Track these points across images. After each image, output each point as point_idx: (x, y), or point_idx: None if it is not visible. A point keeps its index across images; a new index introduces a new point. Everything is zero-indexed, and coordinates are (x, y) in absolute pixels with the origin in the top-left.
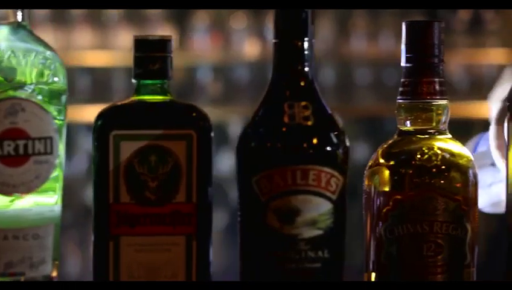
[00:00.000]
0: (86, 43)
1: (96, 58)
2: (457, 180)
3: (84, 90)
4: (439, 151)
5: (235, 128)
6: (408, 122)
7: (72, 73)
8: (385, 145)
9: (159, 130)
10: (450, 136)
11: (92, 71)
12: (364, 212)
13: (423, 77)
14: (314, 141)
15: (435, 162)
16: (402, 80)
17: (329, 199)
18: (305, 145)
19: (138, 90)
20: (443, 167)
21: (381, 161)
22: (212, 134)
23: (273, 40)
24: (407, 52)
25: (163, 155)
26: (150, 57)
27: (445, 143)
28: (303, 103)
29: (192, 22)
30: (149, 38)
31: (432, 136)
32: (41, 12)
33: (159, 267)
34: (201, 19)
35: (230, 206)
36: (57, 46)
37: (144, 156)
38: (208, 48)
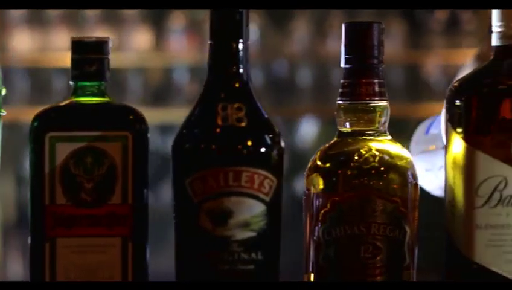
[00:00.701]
0: (63, 44)
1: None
2: (396, 181)
3: (62, 91)
4: (376, 153)
5: None
6: (347, 123)
7: (50, 74)
8: (324, 147)
9: (95, 131)
10: (389, 137)
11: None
12: (304, 213)
13: (362, 78)
14: (247, 142)
15: (372, 163)
16: (341, 81)
17: (262, 200)
18: (237, 146)
19: (75, 92)
20: (381, 168)
21: (319, 163)
22: (149, 136)
23: (209, 42)
24: (346, 53)
25: (99, 157)
26: (87, 59)
27: (384, 144)
28: (236, 105)
29: (169, 22)
30: (85, 40)
31: (370, 137)
32: (17, 13)
33: (95, 269)
34: (177, 19)
35: None
36: (34, 47)
37: (80, 157)
38: (184, 49)
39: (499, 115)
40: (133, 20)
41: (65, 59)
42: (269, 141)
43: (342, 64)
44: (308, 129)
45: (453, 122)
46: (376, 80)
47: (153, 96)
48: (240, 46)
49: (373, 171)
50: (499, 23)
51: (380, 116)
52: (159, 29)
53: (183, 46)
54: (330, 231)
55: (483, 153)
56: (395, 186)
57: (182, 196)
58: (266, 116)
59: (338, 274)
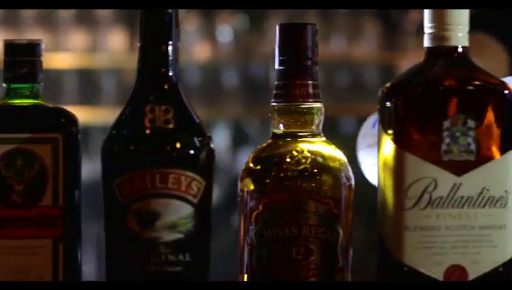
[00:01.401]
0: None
1: (50, 60)
2: (328, 183)
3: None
4: (308, 154)
5: None
6: (281, 125)
7: None
8: (257, 149)
9: (26, 133)
10: (323, 138)
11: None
12: (239, 215)
13: (296, 80)
14: (174, 144)
15: (304, 165)
16: (276, 82)
17: (190, 202)
18: (165, 148)
19: (8, 94)
20: (312, 170)
21: (251, 165)
22: (80, 137)
23: (138, 43)
24: (280, 54)
25: (30, 159)
26: (18, 61)
27: (317, 146)
28: (164, 107)
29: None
30: (17, 42)
31: (304, 139)
32: None
33: (27, 270)
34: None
35: None
36: None
37: (10, 159)
38: None
39: (428, 117)
40: (107, 21)
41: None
42: (197, 143)
43: (276, 66)
44: None
45: (384, 123)
46: (310, 82)
47: (127, 97)
48: (170, 48)
49: (305, 173)
50: (430, 24)
51: (314, 117)
52: (134, 30)
53: None
54: (262, 233)
55: (412, 155)
56: (327, 188)
57: (110, 198)
58: (196, 118)
59: (270, 275)
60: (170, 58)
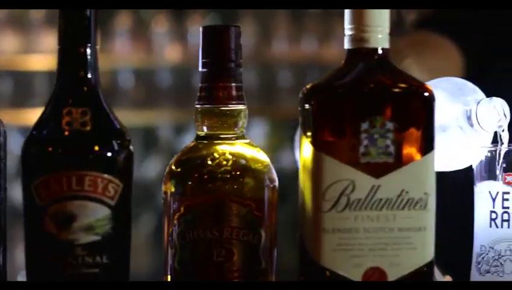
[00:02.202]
0: (11, 47)
1: (22, 63)
2: (250, 185)
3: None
4: (230, 156)
5: (163, 132)
6: (205, 127)
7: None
8: (180, 152)
9: None
10: (247, 140)
11: (15, 74)
12: (163, 217)
13: (219, 82)
14: (91, 146)
15: (225, 167)
16: (199, 85)
17: (107, 204)
18: (81, 150)
19: None
20: (234, 172)
21: (173, 167)
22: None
23: (57, 46)
24: (203, 57)
25: None
26: None
27: (240, 148)
28: (82, 109)
29: (114, 25)
30: None
31: (226, 141)
32: None
33: None
34: (122, 22)
35: (158, 208)
36: None
37: None
38: (129, 51)
39: (346, 119)
40: None
41: (15, 62)
42: (115, 146)
43: (200, 68)
44: (257, 131)
45: (303, 126)
46: (234, 84)
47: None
48: (88, 50)
49: (226, 175)
50: (350, 26)
51: (238, 120)
52: (104, 31)
53: (128, 48)
54: (184, 235)
55: (330, 157)
56: (249, 189)
57: (29, 200)
58: (115, 121)
59: (193, 277)
60: (89, 60)
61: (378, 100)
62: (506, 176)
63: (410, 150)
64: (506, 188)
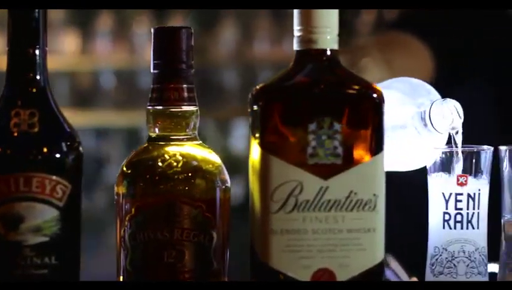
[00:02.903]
0: None
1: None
2: (201, 186)
3: None
4: (180, 158)
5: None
6: (156, 129)
7: None
8: (132, 153)
9: None
10: (199, 142)
11: None
12: (115, 218)
13: (170, 83)
14: (39, 148)
15: (176, 168)
16: (151, 86)
17: (55, 205)
18: (28, 152)
19: None
20: (184, 173)
21: (125, 169)
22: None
23: (7, 47)
24: (154, 58)
25: None
26: None
27: (191, 149)
28: (30, 110)
29: (95, 26)
30: None
31: (178, 142)
32: None
33: None
34: (104, 23)
35: None
36: None
37: None
38: (111, 53)
39: (294, 120)
40: (59, 24)
41: None
42: (64, 147)
43: (151, 70)
44: (239, 132)
45: (252, 127)
46: (185, 85)
47: (80, 100)
48: (37, 52)
49: (176, 177)
50: (298, 28)
51: (189, 121)
52: (86, 32)
53: (110, 50)
54: (135, 236)
55: (278, 159)
56: (200, 191)
57: None
58: (65, 122)
59: (144, 278)
60: (38, 62)
61: (326, 101)
62: (459, 177)
63: (358, 152)
64: (459, 189)
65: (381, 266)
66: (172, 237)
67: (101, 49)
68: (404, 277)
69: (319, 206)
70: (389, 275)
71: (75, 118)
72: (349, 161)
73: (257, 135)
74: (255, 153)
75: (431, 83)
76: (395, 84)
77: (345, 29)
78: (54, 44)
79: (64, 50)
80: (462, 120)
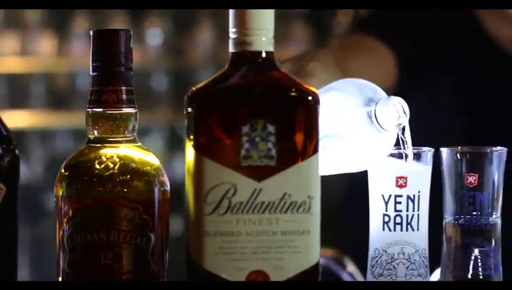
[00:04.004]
0: None
1: None
2: (138, 188)
3: None
4: (117, 160)
5: None
6: (95, 131)
7: None
8: (71, 156)
9: None
10: (138, 144)
11: None
12: (56, 220)
13: (109, 86)
14: None
15: (112, 170)
16: (90, 88)
17: None
18: None
19: None
20: (121, 175)
21: (63, 171)
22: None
23: None
24: (93, 61)
25: None
26: None
27: (129, 151)
28: None
29: (71, 27)
30: None
31: (116, 144)
32: None
33: None
34: (80, 24)
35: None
36: None
37: None
38: (87, 54)
39: (227, 122)
40: (35, 26)
41: None
42: None
43: (90, 72)
44: None
45: (187, 129)
46: (124, 88)
47: (56, 101)
48: None
49: (113, 178)
50: (233, 30)
51: (127, 123)
52: (62, 34)
53: (86, 51)
54: (73, 238)
55: (211, 161)
56: (137, 193)
57: None
58: (1, 125)
59: (82, 280)
60: None
61: (260, 103)
62: (398, 179)
63: (292, 154)
64: (399, 191)
65: (316, 267)
66: (109, 238)
67: (77, 50)
68: (361, 279)
69: (252, 208)
70: (346, 277)
71: (52, 119)
72: (283, 163)
73: (191, 137)
74: (190, 155)
75: (395, 85)
76: (340, 85)
77: (322, 31)
78: (30, 46)
79: (40, 52)
80: (408, 117)
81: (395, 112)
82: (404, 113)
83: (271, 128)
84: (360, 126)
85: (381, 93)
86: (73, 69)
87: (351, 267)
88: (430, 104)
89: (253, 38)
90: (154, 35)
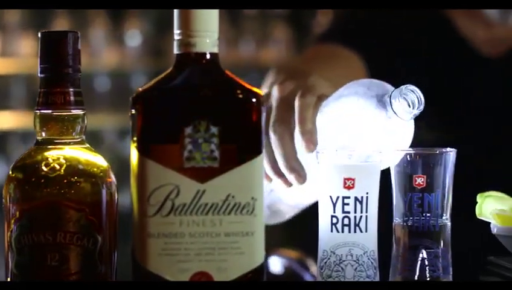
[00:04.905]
0: None
1: None
2: (85, 190)
3: None
4: (63, 161)
5: (107, 135)
6: (43, 132)
7: None
8: (19, 157)
9: None
10: (86, 145)
11: None
12: (3, 221)
13: (57, 88)
14: None
15: (58, 172)
16: (39, 90)
17: None
18: None
19: None
20: (68, 177)
21: (10, 172)
22: None
23: None
24: (41, 62)
25: None
26: None
27: (76, 152)
28: None
29: (51, 29)
30: None
31: (63, 146)
32: None
33: None
34: (60, 25)
35: None
36: None
37: None
38: None
39: (170, 124)
40: (16, 27)
41: None
42: None
43: (38, 74)
44: None
45: (132, 131)
46: (71, 89)
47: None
48: None
49: (59, 180)
50: (178, 31)
51: (75, 125)
52: None
53: None
54: (20, 239)
55: (154, 162)
56: (84, 194)
57: None
58: None
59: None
60: None
61: (203, 104)
62: (346, 180)
63: (235, 155)
64: (346, 193)
65: (261, 269)
66: (56, 240)
67: None
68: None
69: (196, 209)
70: (308, 278)
71: (33, 120)
72: (226, 165)
73: (135, 139)
74: (133, 156)
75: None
76: (347, 91)
77: (302, 32)
78: (10, 47)
79: (20, 53)
80: (423, 103)
81: (410, 99)
82: (419, 99)
83: (214, 129)
84: (378, 124)
85: (390, 87)
86: None
87: (314, 268)
88: None
89: (197, 40)
90: (134, 36)
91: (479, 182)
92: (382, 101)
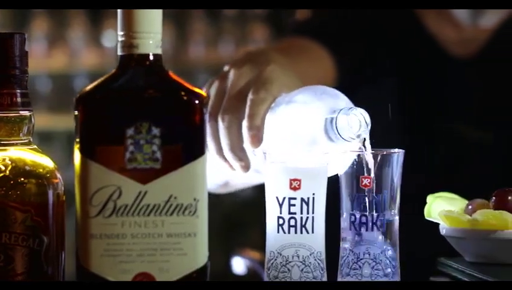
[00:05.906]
0: None
1: None
2: (31, 191)
3: None
4: (9, 162)
5: None
6: None
7: None
8: None
9: None
10: (34, 146)
11: None
12: None
13: (3, 89)
14: None
15: (4, 173)
16: None
17: None
18: None
19: None
20: (13, 177)
21: None
22: None
23: None
24: None
25: None
26: None
27: (22, 153)
28: None
29: (31, 29)
30: None
31: (9, 147)
32: None
33: None
34: (39, 26)
35: None
36: None
37: None
38: (46, 56)
39: (112, 125)
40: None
41: None
42: None
43: None
44: None
45: (75, 132)
46: (18, 91)
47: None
48: None
49: (5, 181)
50: (121, 33)
51: (22, 126)
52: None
53: (46, 53)
54: None
55: (96, 163)
56: (29, 195)
57: None
58: None
59: None
60: None
61: (145, 106)
62: (292, 181)
63: (178, 156)
64: (292, 194)
65: (204, 270)
66: (1, 241)
67: (37, 53)
68: None
69: (138, 210)
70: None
71: None
72: (168, 166)
73: (77, 140)
74: (76, 157)
75: (335, 87)
76: (300, 97)
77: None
78: None
79: None
80: (369, 128)
81: (357, 122)
82: (366, 124)
83: (156, 131)
84: (323, 137)
85: (343, 99)
86: (33, 71)
87: None
88: (370, 103)
89: (140, 41)
90: (112, 37)
91: (443, 184)
92: (329, 118)
